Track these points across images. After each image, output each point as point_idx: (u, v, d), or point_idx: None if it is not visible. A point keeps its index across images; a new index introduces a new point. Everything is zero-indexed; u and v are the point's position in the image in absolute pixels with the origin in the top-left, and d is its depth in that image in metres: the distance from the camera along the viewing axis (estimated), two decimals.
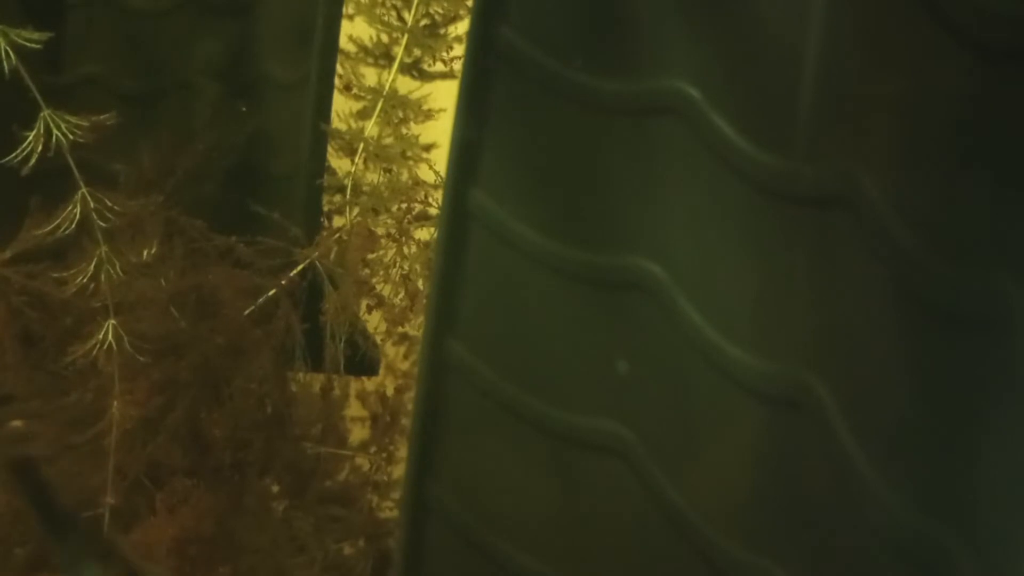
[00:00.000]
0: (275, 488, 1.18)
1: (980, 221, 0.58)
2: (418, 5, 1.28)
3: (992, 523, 0.57)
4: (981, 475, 0.58)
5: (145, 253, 1.11)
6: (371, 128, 1.28)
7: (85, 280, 1.07)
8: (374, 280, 1.26)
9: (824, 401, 0.67)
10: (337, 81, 1.29)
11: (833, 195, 0.66)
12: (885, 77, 0.63)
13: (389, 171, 1.28)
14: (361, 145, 1.28)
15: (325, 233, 1.26)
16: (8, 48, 1.00)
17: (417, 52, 1.29)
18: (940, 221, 0.60)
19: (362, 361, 1.24)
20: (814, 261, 0.69)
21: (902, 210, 0.61)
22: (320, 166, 1.28)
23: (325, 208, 1.29)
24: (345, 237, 1.24)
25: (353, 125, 1.30)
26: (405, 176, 1.27)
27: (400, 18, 1.29)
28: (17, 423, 1.16)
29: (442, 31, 1.29)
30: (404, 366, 1.27)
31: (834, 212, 0.66)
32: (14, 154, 1.03)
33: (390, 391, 1.27)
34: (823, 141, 0.68)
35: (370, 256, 1.25)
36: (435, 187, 1.27)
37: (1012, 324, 0.56)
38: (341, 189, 1.27)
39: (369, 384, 1.29)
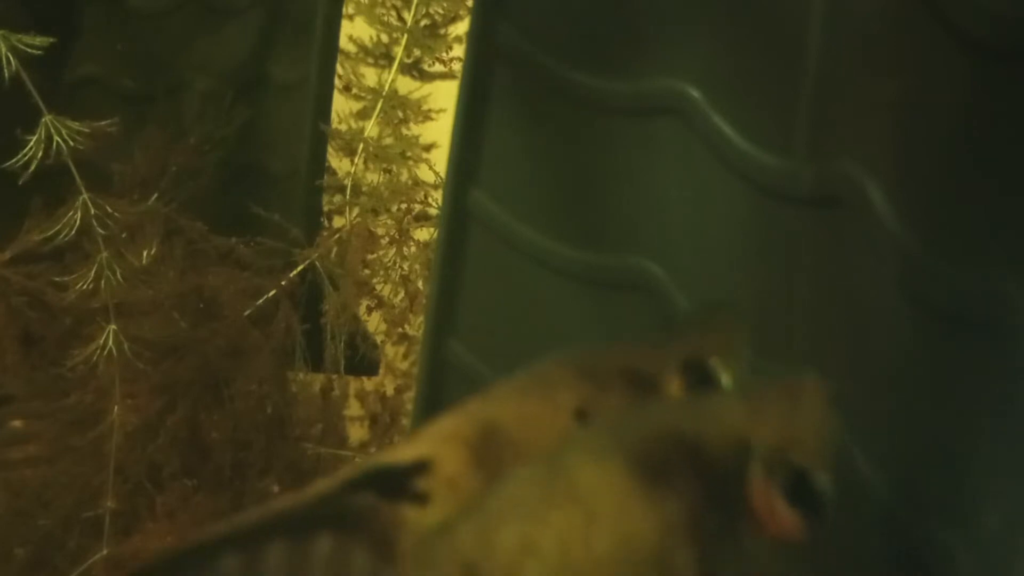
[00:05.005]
0: (275, 488, 1.18)
1: (981, 221, 0.58)
2: (418, 5, 1.28)
3: (992, 523, 0.57)
4: (982, 475, 0.58)
5: (145, 255, 1.11)
6: (371, 128, 1.28)
7: (85, 286, 1.07)
8: (374, 280, 1.26)
9: None
10: (337, 81, 1.29)
11: (833, 195, 0.66)
12: (885, 77, 0.63)
13: (389, 171, 1.28)
14: (361, 145, 1.28)
15: (325, 233, 1.26)
16: (9, 54, 1.00)
17: (417, 52, 1.29)
18: (941, 221, 0.60)
19: (362, 361, 1.24)
20: (814, 262, 0.69)
21: (902, 210, 0.61)
22: (320, 166, 1.28)
23: (325, 208, 1.29)
24: (345, 238, 1.24)
25: (353, 125, 1.29)
26: (405, 176, 1.27)
27: (400, 18, 1.29)
28: (17, 423, 1.16)
29: (442, 31, 1.29)
30: (404, 366, 1.27)
31: (834, 212, 0.66)
32: (15, 159, 1.03)
33: (390, 391, 1.27)
34: (823, 141, 0.68)
35: (370, 256, 1.25)
36: (435, 187, 1.27)
37: (1012, 324, 0.56)
38: (341, 189, 1.27)
39: (369, 384, 1.29)
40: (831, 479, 0.45)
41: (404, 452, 0.50)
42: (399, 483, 0.49)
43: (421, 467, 0.49)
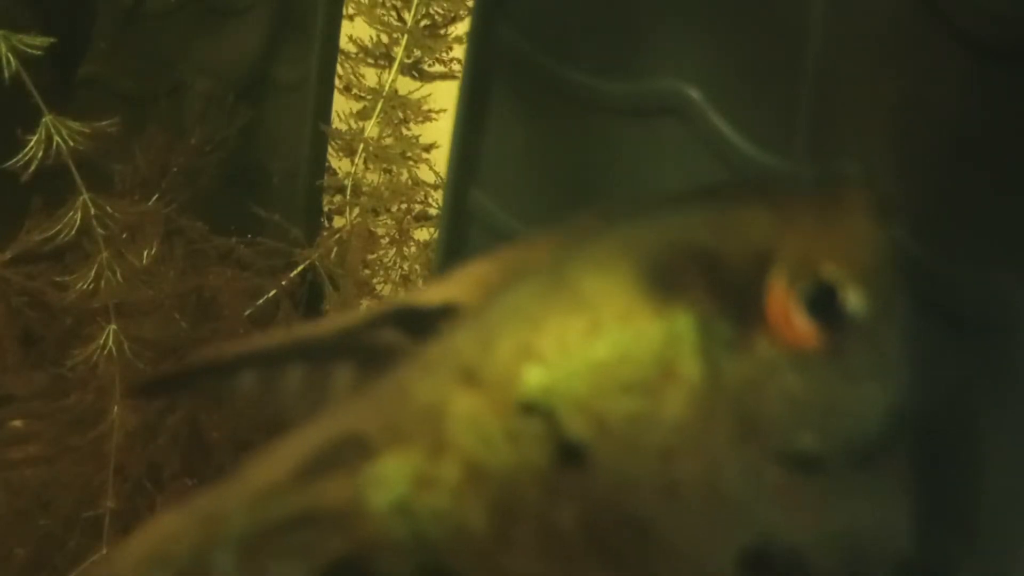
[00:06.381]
0: None
1: (981, 221, 0.58)
2: (418, 5, 1.28)
3: (993, 524, 0.57)
4: (981, 475, 0.58)
5: (145, 255, 1.11)
6: (371, 128, 1.28)
7: (85, 286, 1.07)
8: (374, 280, 1.25)
9: None
10: (337, 81, 1.29)
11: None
12: (886, 77, 0.63)
13: (389, 172, 1.28)
14: (361, 146, 1.28)
15: (325, 234, 1.26)
16: (9, 54, 1.00)
17: (417, 52, 1.29)
18: (941, 221, 0.60)
19: None
20: None
21: (902, 210, 0.61)
22: (320, 167, 1.28)
23: (325, 209, 1.29)
24: (345, 238, 1.25)
25: (353, 125, 1.30)
26: (405, 176, 1.27)
27: (400, 18, 1.29)
28: (17, 423, 1.15)
29: (442, 31, 1.29)
30: None
31: None
32: (15, 159, 1.03)
33: None
34: (823, 141, 0.68)
35: (370, 256, 1.25)
36: (435, 187, 1.27)
37: (1012, 324, 0.56)
38: (341, 189, 1.27)
39: None
40: (869, 294, 0.43)
41: (433, 294, 0.49)
42: (425, 324, 0.47)
43: (449, 310, 0.48)
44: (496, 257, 0.50)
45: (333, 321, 0.50)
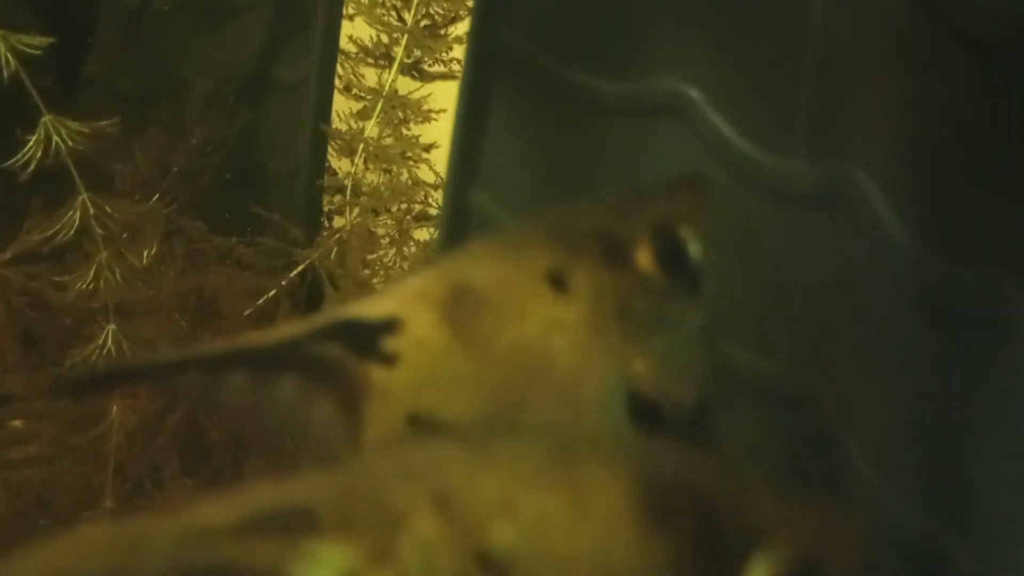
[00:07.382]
0: None
1: (982, 220, 0.58)
2: (418, 5, 1.28)
3: (992, 523, 0.57)
4: (981, 475, 0.58)
5: (145, 255, 1.11)
6: (371, 129, 1.28)
7: (85, 286, 1.07)
8: (374, 280, 1.26)
9: (822, 402, 0.67)
10: (337, 81, 1.29)
11: (833, 196, 0.66)
12: (886, 77, 0.63)
13: (389, 172, 1.28)
14: (361, 146, 1.28)
15: (325, 234, 1.26)
16: (9, 54, 1.00)
17: (417, 53, 1.29)
18: (941, 221, 0.60)
19: None
20: (814, 262, 0.69)
21: (902, 210, 0.61)
22: (320, 167, 1.28)
23: (325, 209, 1.29)
24: (345, 238, 1.25)
25: (353, 125, 1.30)
26: (405, 176, 1.28)
27: (400, 18, 1.29)
28: (17, 423, 1.15)
29: (442, 31, 1.29)
30: None
31: (834, 212, 0.66)
32: (14, 159, 1.03)
33: None
34: (823, 141, 0.68)
35: (370, 256, 1.25)
36: (435, 187, 1.27)
37: (1012, 324, 0.56)
38: (341, 189, 1.27)
39: None
40: None
41: (373, 308, 0.49)
42: (368, 339, 0.47)
43: (391, 325, 0.48)
44: (435, 270, 0.50)
45: (277, 331, 0.49)
